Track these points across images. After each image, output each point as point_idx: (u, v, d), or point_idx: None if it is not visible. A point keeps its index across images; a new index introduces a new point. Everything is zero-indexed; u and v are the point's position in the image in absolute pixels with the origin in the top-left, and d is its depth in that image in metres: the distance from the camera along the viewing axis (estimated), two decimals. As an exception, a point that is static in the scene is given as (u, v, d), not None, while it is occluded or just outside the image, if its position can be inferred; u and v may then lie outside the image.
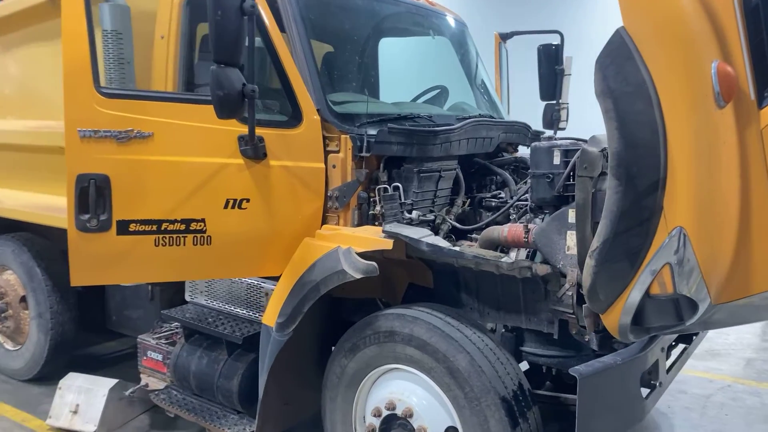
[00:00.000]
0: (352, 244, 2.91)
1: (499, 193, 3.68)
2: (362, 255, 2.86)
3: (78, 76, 2.77)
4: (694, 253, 2.14)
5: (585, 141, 2.99)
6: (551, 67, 4.98)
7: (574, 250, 2.76)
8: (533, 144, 2.98)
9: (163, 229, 2.97)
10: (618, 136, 2.13)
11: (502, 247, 3.18)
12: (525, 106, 5.30)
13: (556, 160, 2.87)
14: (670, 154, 2.10)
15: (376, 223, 3.25)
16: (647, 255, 2.19)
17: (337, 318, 3.48)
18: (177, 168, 2.97)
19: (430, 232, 2.97)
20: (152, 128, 2.91)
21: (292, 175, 3.17)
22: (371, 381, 3.04)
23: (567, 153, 2.86)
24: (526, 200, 3.45)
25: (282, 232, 3.20)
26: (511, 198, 3.54)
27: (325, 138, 3.21)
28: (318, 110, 3.18)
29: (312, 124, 3.18)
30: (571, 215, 2.77)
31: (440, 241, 2.85)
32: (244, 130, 2.99)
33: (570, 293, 2.75)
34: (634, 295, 2.26)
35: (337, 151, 3.21)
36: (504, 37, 5.30)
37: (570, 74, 5.12)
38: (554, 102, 5.02)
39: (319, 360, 3.47)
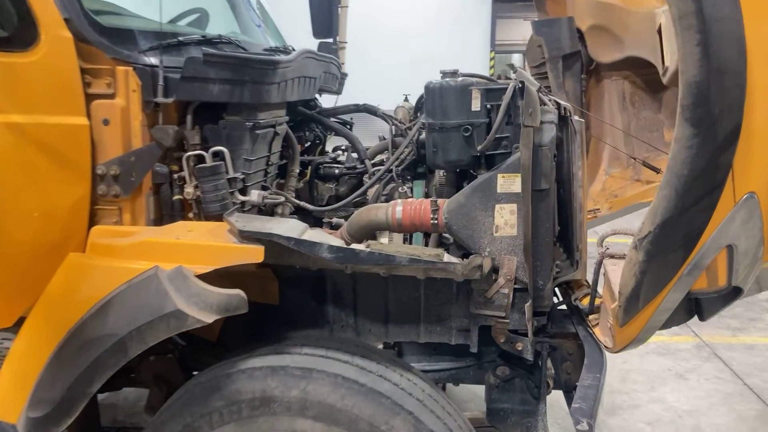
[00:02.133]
0: (182, 260, 1.63)
1: (338, 157, 2.67)
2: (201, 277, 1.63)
3: None
4: (762, 227, 1.50)
5: (488, 78, 2.18)
6: (325, -3, 4.02)
7: (506, 231, 1.97)
8: (432, 83, 2.05)
9: None
10: (700, 56, 1.34)
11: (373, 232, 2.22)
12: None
13: (476, 105, 1.99)
14: (750, 86, 1.40)
15: (191, 215, 1.98)
16: (702, 237, 1.48)
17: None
18: None
19: (305, 225, 1.85)
20: None
21: (25, 141, 1.72)
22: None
23: (489, 94, 2.00)
24: (381, 164, 2.53)
25: (12, 247, 1.73)
26: (361, 162, 2.56)
27: (84, 72, 1.81)
28: (67, 20, 1.75)
29: (58, 44, 1.74)
30: (502, 183, 1.96)
31: (335, 240, 1.77)
32: None
33: (505, 291, 1.95)
34: (674, 295, 1.55)
35: (111, 95, 1.83)
36: (264, -46, 4.12)
37: (347, 6, 4.25)
38: (330, 40, 4.08)
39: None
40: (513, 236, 1.97)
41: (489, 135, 1.95)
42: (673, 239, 1.46)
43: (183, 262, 1.63)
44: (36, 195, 1.75)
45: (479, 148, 1.98)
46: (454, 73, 2.06)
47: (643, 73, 3.31)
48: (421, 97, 2.37)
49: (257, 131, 2.07)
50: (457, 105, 1.99)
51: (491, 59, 12.01)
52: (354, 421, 1.66)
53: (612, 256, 1.86)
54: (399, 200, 2.11)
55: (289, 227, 1.76)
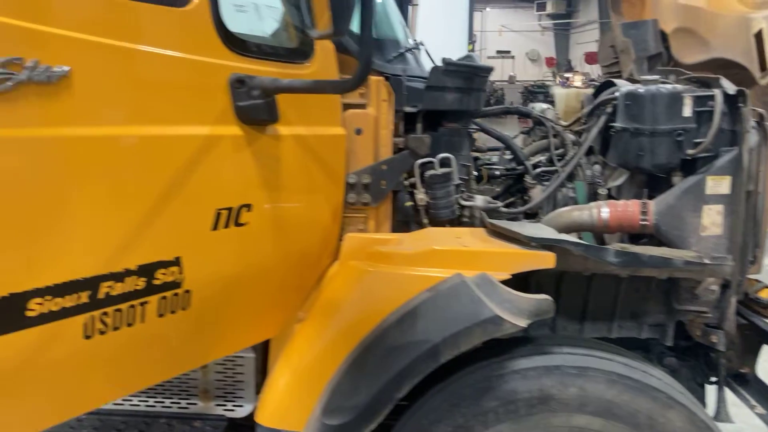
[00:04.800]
0: (475, 267, 1.68)
1: (491, 159, 2.73)
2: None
3: None
4: None
5: (670, 82, 2.28)
6: (397, -4, 4.04)
7: (712, 231, 2.10)
8: (633, 90, 2.15)
9: (101, 297, 1.27)
10: None
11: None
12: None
13: (687, 111, 2.11)
14: None
15: (425, 222, 2.02)
16: None
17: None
18: (121, 151, 1.28)
19: (552, 229, 1.93)
20: (69, 59, 1.16)
21: (306, 152, 1.72)
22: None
23: (700, 101, 2.12)
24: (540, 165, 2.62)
25: (292, 256, 1.74)
26: (519, 164, 2.63)
27: (342, 83, 1.82)
28: (335, 30, 1.76)
29: (327, 56, 1.75)
30: (711, 185, 2.09)
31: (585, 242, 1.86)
32: (243, 66, 1.45)
33: (714, 287, 2.08)
34: None
35: (364, 105, 1.85)
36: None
37: (417, 4, 4.29)
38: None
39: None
40: (718, 236, 2.10)
41: (706, 139, 2.07)
42: None
43: (476, 269, 1.68)
44: (305, 206, 1.76)
45: (692, 152, 2.10)
46: (655, 81, 2.18)
47: (723, 73, 3.50)
48: (603, 102, 2.46)
49: (472, 138, 2.13)
50: (668, 111, 2.10)
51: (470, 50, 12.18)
52: (632, 415, 1.76)
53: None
54: (601, 202, 2.21)
55: (550, 232, 1.84)
